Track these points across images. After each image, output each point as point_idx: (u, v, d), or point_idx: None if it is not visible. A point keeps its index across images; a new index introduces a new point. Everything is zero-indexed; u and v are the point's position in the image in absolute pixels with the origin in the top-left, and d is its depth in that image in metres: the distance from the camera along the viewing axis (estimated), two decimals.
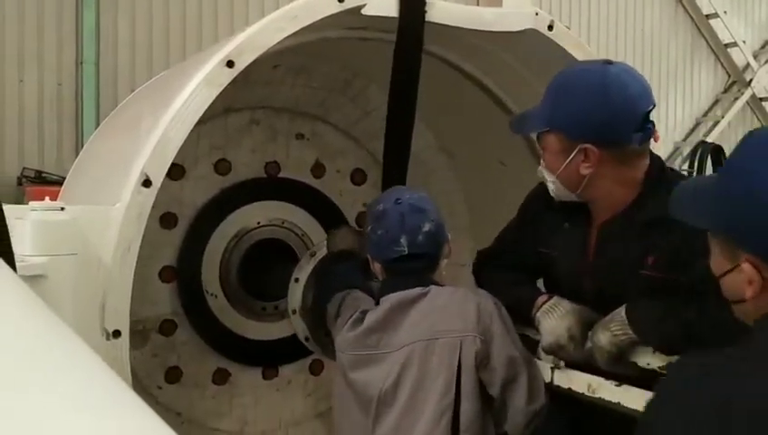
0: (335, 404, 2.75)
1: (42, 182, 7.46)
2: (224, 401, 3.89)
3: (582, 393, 2.31)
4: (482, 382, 2.39)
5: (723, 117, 12.04)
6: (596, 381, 2.27)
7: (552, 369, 2.41)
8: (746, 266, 1.41)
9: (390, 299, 2.54)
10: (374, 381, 2.47)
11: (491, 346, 2.38)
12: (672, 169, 2.53)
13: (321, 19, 2.49)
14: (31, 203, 2.04)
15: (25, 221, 1.99)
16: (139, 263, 2.19)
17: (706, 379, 1.40)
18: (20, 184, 7.55)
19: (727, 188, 1.46)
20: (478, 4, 8.96)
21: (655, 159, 2.36)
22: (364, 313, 2.59)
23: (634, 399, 2.12)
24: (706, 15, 11.91)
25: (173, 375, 3.74)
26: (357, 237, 3.17)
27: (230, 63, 2.29)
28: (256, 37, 2.36)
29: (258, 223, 3.84)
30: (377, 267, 2.68)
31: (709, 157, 10.31)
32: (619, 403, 2.20)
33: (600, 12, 11.12)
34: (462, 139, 3.98)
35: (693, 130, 12.04)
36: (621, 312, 2.19)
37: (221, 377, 3.87)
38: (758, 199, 1.39)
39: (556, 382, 2.40)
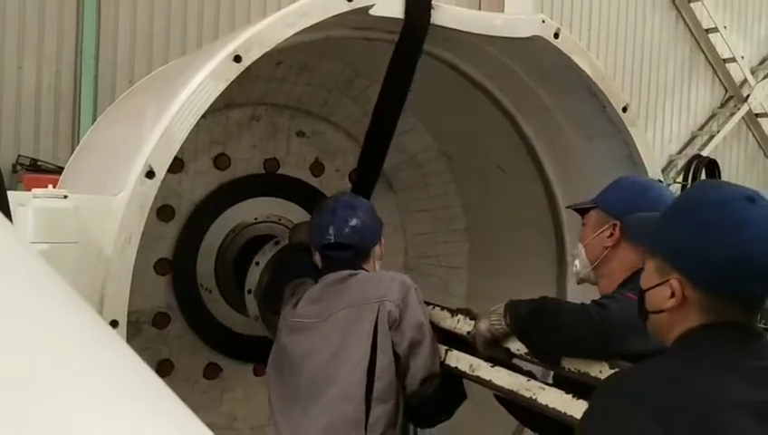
0: (269, 364, 2.97)
1: (37, 170, 7.43)
2: (214, 396, 3.88)
3: (465, 372, 2.70)
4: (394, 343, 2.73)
5: (718, 131, 12.08)
6: (476, 362, 2.65)
7: (446, 350, 2.80)
8: (674, 283, 1.67)
9: (326, 278, 2.87)
10: (304, 345, 2.80)
11: (404, 312, 2.72)
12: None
13: (329, 17, 2.49)
14: (33, 190, 2.03)
15: (27, 208, 1.99)
16: (136, 254, 2.19)
17: (623, 383, 1.73)
18: (15, 171, 7.51)
19: (673, 219, 1.76)
20: (480, 9, 8.97)
21: None
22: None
23: (503, 378, 2.54)
24: (706, 30, 11.95)
25: (164, 368, 3.73)
26: None
27: (237, 58, 2.29)
28: (265, 33, 2.36)
29: (255, 219, 3.84)
30: (316, 256, 2.99)
31: (703, 170, 10.35)
32: (490, 381, 2.58)
33: (600, 23, 11.15)
34: (461, 142, 3.99)
35: (688, 143, 12.08)
36: (502, 305, 2.53)
37: (212, 372, 3.87)
38: (698, 233, 1.66)
39: (446, 361, 2.78)
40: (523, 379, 2.50)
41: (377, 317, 2.70)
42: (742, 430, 1.52)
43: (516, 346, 2.50)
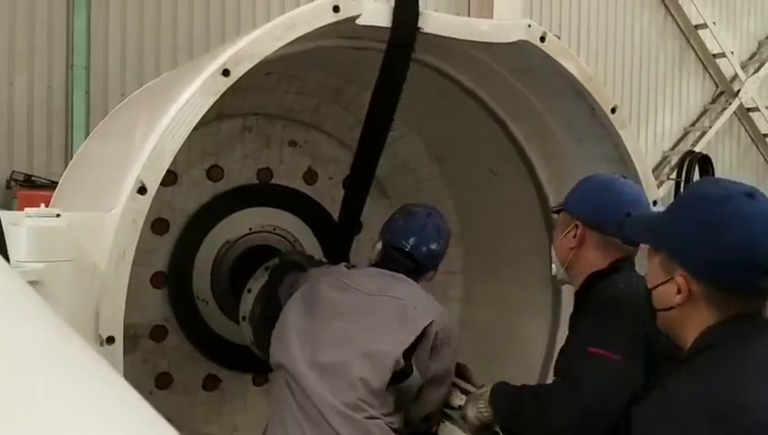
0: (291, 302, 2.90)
1: (31, 186, 7.42)
2: (214, 407, 3.89)
3: None
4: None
5: (710, 127, 12.09)
6: None
7: (439, 422, 2.91)
8: (679, 279, 1.72)
9: (380, 270, 2.90)
10: (346, 300, 2.80)
11: (443, 348, 2.77)
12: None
13: (317, 28, 2.50)
14: (26, 209, 2.04)
15: (21, 227, 1.99)
16: (131, 268, 2.20)
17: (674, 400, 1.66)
18: (9, 187, 7.50)
19: (676, 215, 1.80)
20: (469, 15, 8.99)
21: None
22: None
23: None
24: (695, 26, 11.98)
25: (163, 381, 3.74)
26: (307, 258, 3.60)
27: (226, 72, 2.30)
28: (253, 46, 2.37)
29: (250, 229, 3.86)
30: (378, 248, 3.01)
31: (697, 166, 10.37)
32: None
33: (589, 22, 11.17)
34: (453, 147, 4.01)
35: (681, 139, 12.09)
36: (488, 392, 2.58)
37: (211, 383, 3.87)
38: (700, 228, 1.70)
39: (439, 432, 2.91)
40: None
41: (424, 330, 2.71)
42: None
43: None
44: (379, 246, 3.01)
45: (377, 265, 2.97)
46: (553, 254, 2.70)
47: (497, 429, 2.57)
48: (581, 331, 2.43)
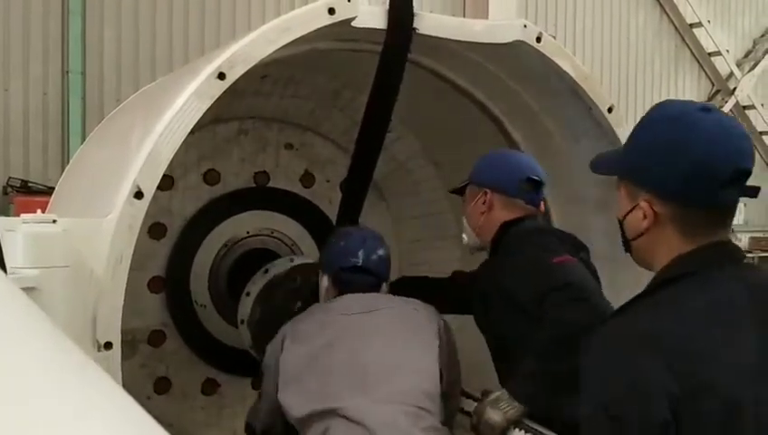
0: (281, 366, 2.66)
1: (27, 192, 7.41)
2: (213, 412, 3.88)
3: None
4: None
5: None
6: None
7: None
8: (643, 204, 1.72)
9: (350, 296, 2.79)
10: (341, 323, 2.66)
11: (452, 351, 2.74)
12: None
13: (312, 31, 2.50)
14: (22, 215, 2.03)
15: (17, 233, 1.99)
16: (128, 273, 2.19)
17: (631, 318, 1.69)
18: (5, 193, 7.50)
19: (635, 142, 1.80)
20: (464, 16, 8.99)
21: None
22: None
23: None
24: (690, 24, 12.01)
25: (162, 386, 3.73)
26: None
27: (221, 75, 2.29)
28: (248, 49, 2.36)
29: (247, 233, 3.85)
30: (324, 285, 2.91)
31: None
32: None
33: (585, 21, 11.19)
34: (450, 149, 4.00)
35: None
36: (503, 392, 2.56)
37: (210, 387, 3.86)
38: (658, 147, 1.70)
39: None
40: None
41: (438, 329, 2.69)
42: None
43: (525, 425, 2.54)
44: (326, 281, 2.89)
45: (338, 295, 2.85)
46: (465, 224, 3.02)
47: (525, 420, 2.54)
48: (527, 254, 2.64)
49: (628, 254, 1.88)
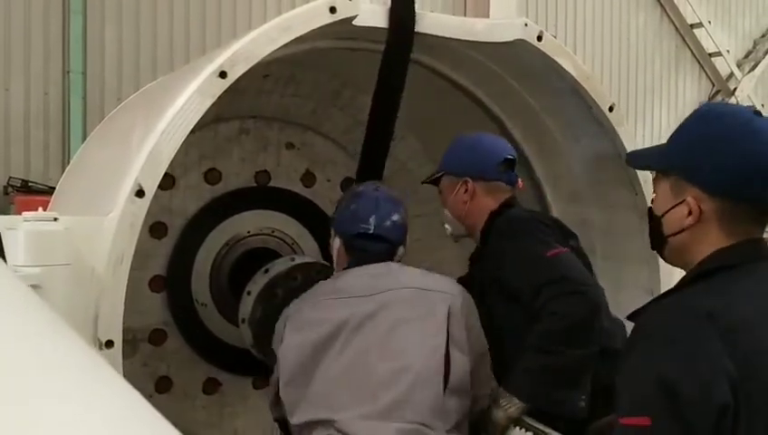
0: (280, 360, 2.55)
1: (28, 191, 7.42)
2: (214, 411, 3.88)
3: None
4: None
5: None
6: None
7: None
8: (690, 200, 1.72)
9: (363, 269, 2.62)
10: (342, 314, 2.46)
11: (469, 318, 2.55)
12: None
13: (313, 29, 2.50)
14: (24, 214, 2.03)
15: (18, 232, 1.99)
16: (129, 272, 2.19)
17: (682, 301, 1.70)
18: (6, 193, 7.50)
19: (683, 136, 1.80)
20: (465, 15, 9.00)
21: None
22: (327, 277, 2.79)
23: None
24: (691, 25, 12.01)
25: (163, 385, 3.73)
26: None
27: (223, 74, 2.29)
28: (249, 48, 2.37)
29: (248, 232, 3.85)
30: (336, 246, 2.75)
31: None
32: None
33: (585, 21, 11.19)
34: None
35: None
36: (500, 389, 2.58)
37: (211, 386, 3.86)
38: (710, 143, 1.70)
39: None
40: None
41: (448, 309, 2.48)
42: None
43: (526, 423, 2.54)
44: (337, 243, 2.75)
45: (349, 266, 2.68)
46: (446, 214, 3.01)
47: (526, 418, 2.52)
48: (520, 246, 2.65)
49: (655, 251, 1.88)
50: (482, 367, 2.58)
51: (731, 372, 1.50)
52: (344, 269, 2.70)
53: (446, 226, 3.06)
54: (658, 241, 1.84)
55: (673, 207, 1.76)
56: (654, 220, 1.84)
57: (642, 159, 1.99)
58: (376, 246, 2.65)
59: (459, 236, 3.07)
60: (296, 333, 2.52)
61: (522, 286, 2.58)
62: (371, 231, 2.64)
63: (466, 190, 2.90)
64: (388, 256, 2.69)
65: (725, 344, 1.53)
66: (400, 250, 2.75)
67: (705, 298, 1.63)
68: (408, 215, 2.78)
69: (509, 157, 2.90)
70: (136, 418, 0.63)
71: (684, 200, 1.73)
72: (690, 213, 1.72)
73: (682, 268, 1.82)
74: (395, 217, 2.68)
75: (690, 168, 1.73)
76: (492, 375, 2.66)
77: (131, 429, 0.60)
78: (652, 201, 1.88)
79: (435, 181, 3.05)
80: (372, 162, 3.28)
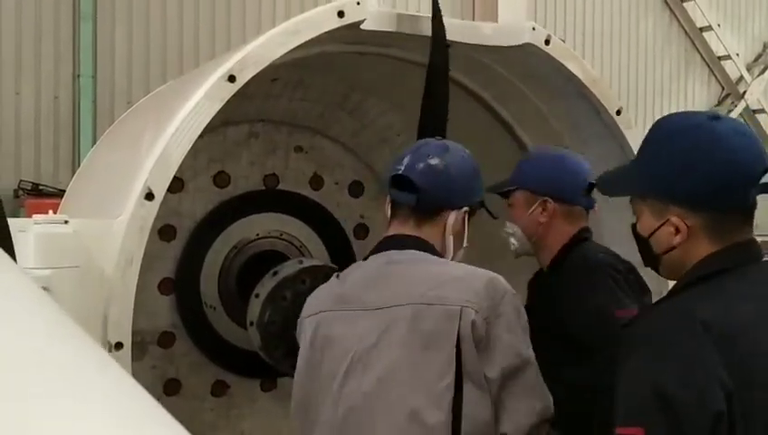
0: (297, 377, 2.25)
1: (38, 195, 7.47)
2: (222, 413, 3.89)
3: None
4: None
5: None
6: None
7: None
8: (674, 219, 1.70)
9: (385, 255, 2.21)
10: (351, 338, 2.09)
11: (494, 327, 2.01)
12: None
13: (322, 34, 2.52)
14: (34, 216, 2.05)
15: (29, 234, 2.01)
16: (138, 275, 2.21)
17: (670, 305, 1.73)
18: (17, 196, 7.56)
19: (651, 157, 1.78)
20: (474, 18, 9.01)
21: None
22: (338, 275, 2.32)
23: None
24: (700, 28, 11.99)
25: (172, 387, 3.74)
26: None
27: (232, 78, 2.31)
28: (258, 52, 2.38)
29: (257, 235, 3.86)
30: (387, 205, 2.31)
31: None
32: None
33: (594, 25, 11.19)
34: None
35: None
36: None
37: (220, 389, 3.88)
38: (682, 160, 1.69)
39: None
40: None
41: (459, 330, 1.98)
42: None
43: None
44: (388, 199, 2.31)
45: (383, 240, 2.28)
46: (515, 231, 2.80)
47: None
48: (598, 295, 2.52)
49: (650, 268, 1.88)
50: (509, 394, 2.02)
51: (725, 379, 1.51)
52: (377, 249, 2.28)
53: (512, 241, 2.83)
54: (651, 260, 1.84)
55: (658, 228, 1.75)
56: (641, 241, 1.83)
57: (615, 185, 1.97)
58: (402, 197, 2.19)
59: (523, 254, 2.89)
60: (301, 343, 2.24)
61: (579, 333, 2.52)
62: (401, 170, 2.18)
63: (544, 211, 2.72)
64: (423, 215, 2.21)
65: (720, 352, 1.53)
66: (450, 217, 2.24)
67: (699, 304, 1.64)
68: (467, 174, 2.28)
69: (592, 182, 2.68)
70: (150, 419, 0.64)
71: (667, 220, 1.72)
72: (678, 231, 1.71)
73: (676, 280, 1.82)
74: (433, 161, 2.18)
75: (667, 189, 1.72)
76: (544, 395, 2.09)
77: (146, 429, 0.61)
78: (635, 222, 1.86)
79: (505, 193, 2.85)
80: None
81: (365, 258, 2.30)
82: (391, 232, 2.26)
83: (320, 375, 2.14)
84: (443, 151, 2.24)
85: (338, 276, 2.32)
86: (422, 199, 2.18)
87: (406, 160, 2.20)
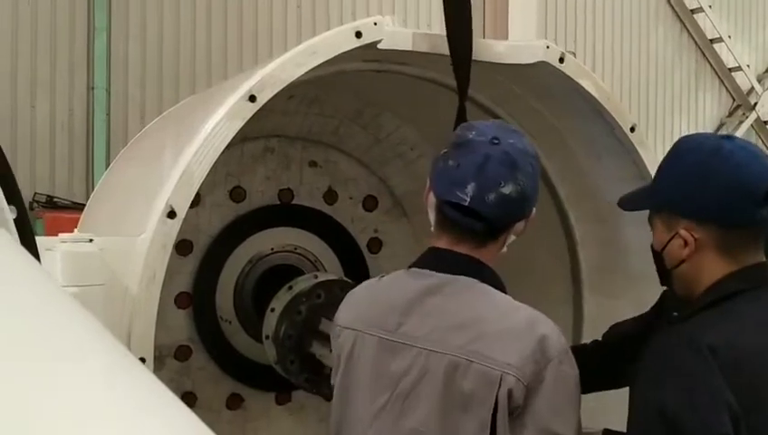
0: (335, 398, 2.15)
1: (53, 207, 7.54)
2: (237, 427, 3.92)
3: None
4: None
5: None
6: None
7: None
8: (683, 231, 1.79)
9: (426, 278, 2.01)
10: (389, 376, 1.98)
11: (534, 396, 1.83)
12: None
13: (339, 54, 2.56)
14: (60, 235, 2.10)
15: (55, 253, 2.05)
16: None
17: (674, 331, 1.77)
18: (31, 209, 7.62)
19: (664, 175, 1.90)
20: (484, 35, 9.05)
21: None
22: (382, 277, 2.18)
23: None
24: (711, 40, 12.01)
25: (188, 400, 3.78)
26: None
27: (252, 98, 2.35)
28: (277, 72, 2.43)
29: (272, 249, 3.90)
30: (431, 200, 2.09)
31: None
32: None
33: (604, 37, 11.22)
34: None
35: None
36: None
37: (235, 402, 3.91)
38: (692, 176, 1.79)
39: None
40: None
41: (496, 399, 1.81)
42: None
43: None
44: (432, 198, 2.08)
45: (434, 236, 2.08)
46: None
47: None
48: None
49: (665, 286, 1.94)
50: None
51: (732, 403, 1.55)
52: (422, 258, 2.10)
53: None
54: (665, 276, 1.91)
55: (669, 241, 1.83)
56: (656, 257, 1.91)
57: (634, 202, 2.06)
58: (469, 223, 1.96)
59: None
60: (338, 377, 2.12)
61: None
62: (467, 202, 1.93)
63: (686, 244, 2.18)
64: (490, 236, 2.00)
65: (727, 378, 1.57)
66: (515, 228, 2.05)
67: (711, 330, 1.68)
68: (535, 178, 2.02)
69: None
70: (186, 423, 0.68)
71: (677, 233, 1.80)
72: (686, 244, 1.78)
73: (688, 299, 1.85)
74: (505, 190, 1.92)
75: (677, 202, 1.82)
76: None
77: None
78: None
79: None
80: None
81: (409, 267, 2.11)
82: (442, 245, 2.04)
83: (354, 399, 2.05)
84: (513, 169, 1.94)
85: (381, 278, 2.19)
86: (491, 226, 1.98)
87: (471, 189, 1.92)
